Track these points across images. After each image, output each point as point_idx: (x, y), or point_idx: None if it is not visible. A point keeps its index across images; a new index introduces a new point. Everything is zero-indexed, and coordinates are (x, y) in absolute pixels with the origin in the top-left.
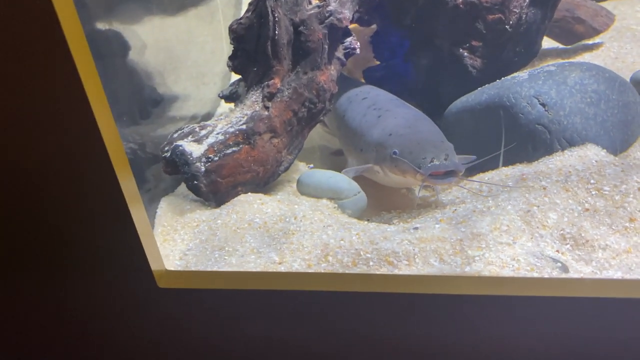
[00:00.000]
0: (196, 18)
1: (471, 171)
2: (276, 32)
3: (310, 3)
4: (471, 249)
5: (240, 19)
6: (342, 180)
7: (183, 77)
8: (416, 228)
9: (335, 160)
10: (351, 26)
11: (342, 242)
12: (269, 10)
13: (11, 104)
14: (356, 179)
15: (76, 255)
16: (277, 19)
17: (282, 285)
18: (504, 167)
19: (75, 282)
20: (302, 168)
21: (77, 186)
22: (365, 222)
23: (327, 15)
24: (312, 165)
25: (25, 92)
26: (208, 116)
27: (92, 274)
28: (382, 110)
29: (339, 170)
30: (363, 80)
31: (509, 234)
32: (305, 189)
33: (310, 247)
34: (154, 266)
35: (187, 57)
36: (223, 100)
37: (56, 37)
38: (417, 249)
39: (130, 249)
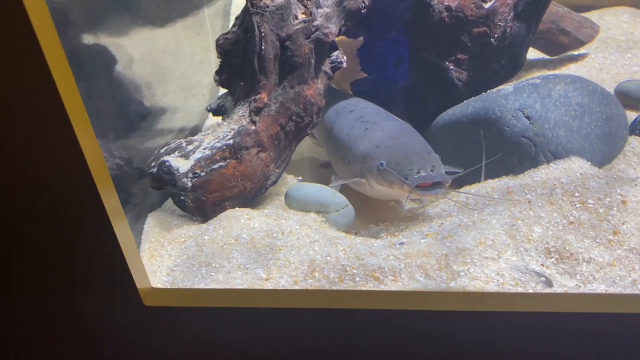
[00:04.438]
0: (184, 29)
1: (459, 183)
2: (262, 47)
3: (296, 18)
4: (456, 264)
5: (227, 33)
6: (329, 194)
7: (171, 89)
8: (402, 243)
9: (323, 173)
10: (339, 38)
11: (328, 257)
12: (255, 25)
13: None
14: (344, 191)
15: (59, 275)
16: (263, 34)
17: (270, 303)
18: (490, 180)
19: (59, 301)
20: (290, 181)
21: (59, 205)
22: (353, 237)
23: (313, 30)
24: (300, 178)
25: (2, 110)
26: (196, 129)
27: (76, 293)
28: (369, 123)
29: (327, 184)
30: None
31: (494, 248)
32: (293, 203)
33: (297, 263)
34: (139, 284)
35: (176, 69)
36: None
37: (34, 54)
38: (403, 264)
39: (114, 267)
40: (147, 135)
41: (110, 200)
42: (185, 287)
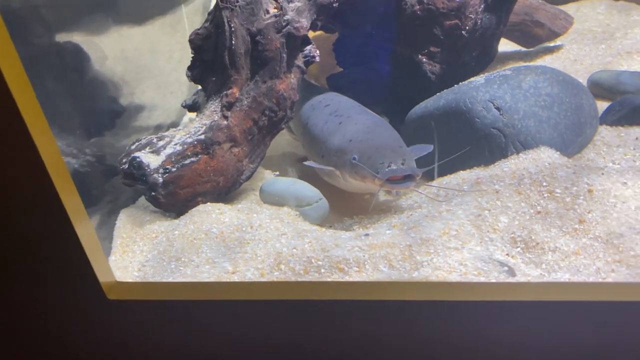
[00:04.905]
0: (163, 27)
1: (431, 176)
2: (233, 42)
3: (267, 13)
4: (420, 254)
5: (199, 29)
6: (303, 188)
7: (150, 87)
8: (367, 235)
9: (301, 167)
10: (317, 33)
11: (294, 250)
12: (225, 20)
13: None
14: (319, 185)
15: (21, 271)
16: (233, 29)
17: (233, 295)
18: (461, 171)
19: (21, 297)
20: (267, 176)
21: (18, 202)
22: (322, 230)
23: (284, 24)
24: (277, 173)
25: None
26: (174, 125)
27: (39, 289)
28: (343, 117)
29: (306, 178)
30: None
31: (458, 238)
32: (267, 197)
33: (264, 256)
34: (102, 278)
35: (155, 67)
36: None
37: None
38: (367, 255)
39: (75, 262)
40: (124, 133)
41: (69, 197)
42: (151, 280)
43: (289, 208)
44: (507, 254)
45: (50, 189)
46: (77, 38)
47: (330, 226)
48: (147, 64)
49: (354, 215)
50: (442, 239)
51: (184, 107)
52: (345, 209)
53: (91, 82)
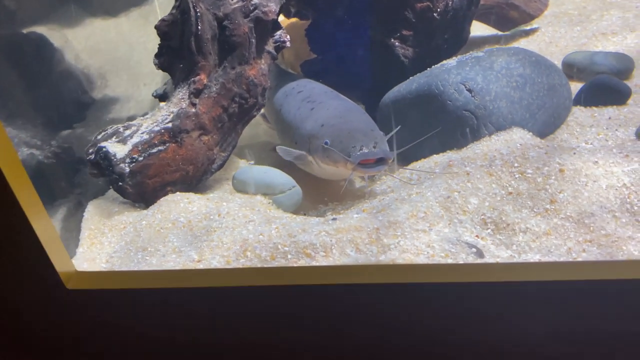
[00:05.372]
0: (139, 17)
1: (406, 160)
2: (199, 27)
3: None
4: (387, 237)
5: (165, 16)
6: (276, 175)
7: (125, 78)
8: (335, 219)
9: (277, 156)
10: (293, 19)
11: (260, 236)
12: (191, 5)
13: None
14: (294, 174)
15: None
16: (199, 14)
17: (195, 283)
18: (435, 155)
19: None
20: (243, 165)
21: None
22: (292, 216)
23: (251, 8)
24: (252, 162)
25: None
26: None
27: None
28: (315, 103)
29: (281, 168)
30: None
31: (426, 220)
32: (240, 186)
33: (230, 244)
34: (60, 268)
35: (129, 58)
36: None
37: None
38: (334, 239)
39: (32, 252)
40: (95, 125)
41: (22, 188)
42: (111, 269)
43: (262, 196)
44: (477, 236)
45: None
46: (48, 30)
47: (304, 213)
48: (121, 56)
49: (328, 203)
50: (409, 221)
51: (155, 96)
52: (320, 196)
53: (60, 74)
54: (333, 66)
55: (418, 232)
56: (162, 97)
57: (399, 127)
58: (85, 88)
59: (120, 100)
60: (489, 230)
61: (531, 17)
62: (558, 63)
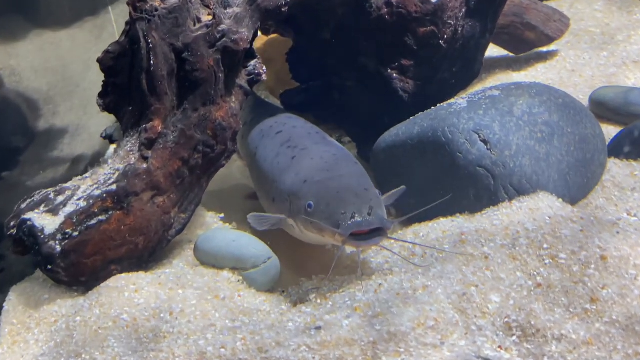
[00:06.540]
0: (94, 28)
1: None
2: (152, 61)
3: (199, 21)
4: (387, 354)
5: (111, 45)
6: (248, 244)
7: (77, 103)
8: (319, 328)
9: (253, 205)
10: (273, 36)
11: (222, 350)
12: (141, 34)
13: None
14: (270, 234)
15: None
16: (151, 45)
17: None
18: (442, 219)
19: None
20: (209, 220)
21: None
22: (264, 313)
23: (218, 36)
24: (222, 216)
25: None
26: (97, 157)
27: None
28: (297, 149)
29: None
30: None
31: (437, 330)
32: (203, 257)
33: (184, 357)
34: None
35: (84, 78)
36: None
37: None
38: (318, 356)
39: None
40: (35, 168)
41: None
42: None
43: (230, 272)
44: (500, 347)
45: None
46: None
47: (284, 291)
48: (73, 76)
49: (312, 275)
50: (416, 332)
51: (104, 138)
52: (304, 263)
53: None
54: (318, 98)
55: (427, 348)
56: (112, 138)
57: (402, 188)
58: (26, 121)
59: (69, 132)
60: (515, 338)
61: (550, 40)
62: (584, 98)
